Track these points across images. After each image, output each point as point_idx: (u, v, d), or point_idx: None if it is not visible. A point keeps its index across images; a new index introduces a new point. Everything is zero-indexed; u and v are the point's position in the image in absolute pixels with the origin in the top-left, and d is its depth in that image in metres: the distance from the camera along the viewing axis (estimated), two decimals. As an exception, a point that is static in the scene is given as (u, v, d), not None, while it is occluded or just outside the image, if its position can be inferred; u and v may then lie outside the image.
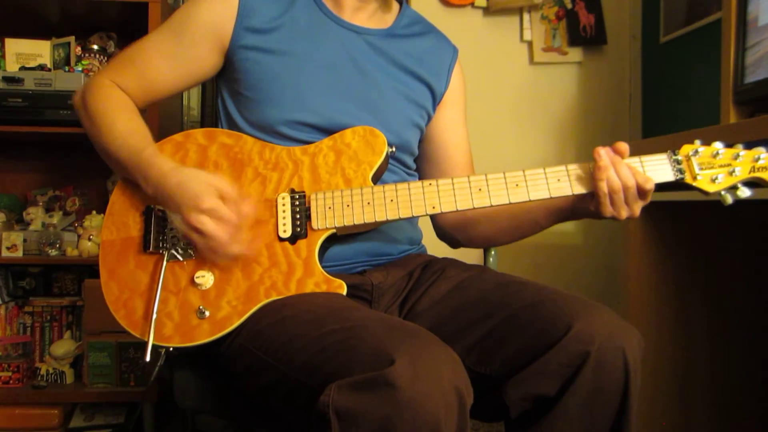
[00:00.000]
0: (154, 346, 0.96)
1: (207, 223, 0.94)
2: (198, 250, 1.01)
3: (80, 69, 2.06)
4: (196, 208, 0.95)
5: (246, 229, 0.99)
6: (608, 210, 0.96)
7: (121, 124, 1.07)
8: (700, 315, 1.65)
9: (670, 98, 2.24)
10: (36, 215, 2.11)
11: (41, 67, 2.03)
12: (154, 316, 0.97)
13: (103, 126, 1.07)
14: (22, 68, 2.02)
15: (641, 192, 0.95)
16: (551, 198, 0.99)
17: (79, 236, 2.03)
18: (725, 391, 1.67)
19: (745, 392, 1.68)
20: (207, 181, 0.97)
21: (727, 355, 1.67)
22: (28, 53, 2.10)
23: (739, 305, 1.66)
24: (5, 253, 1.99)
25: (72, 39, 2.13)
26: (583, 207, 1.01)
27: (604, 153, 0.95)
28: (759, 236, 1.65)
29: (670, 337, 1.63)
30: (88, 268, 2.13)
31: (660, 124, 2.30)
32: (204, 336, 0.97)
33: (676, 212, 1.56)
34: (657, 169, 0.97)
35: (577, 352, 0.87)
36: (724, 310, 1.66)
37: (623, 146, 0.97)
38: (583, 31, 2.40)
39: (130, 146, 1.04)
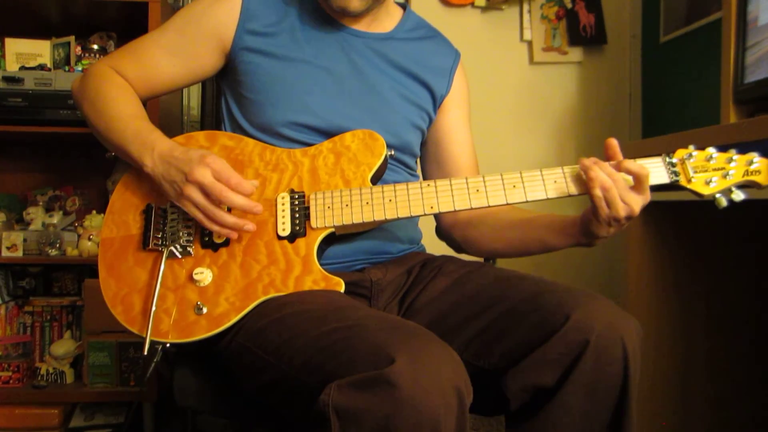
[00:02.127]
0: (151, 342, 0.96)
1: (207, 175, 0.95)
2: (197, 248, 1.02)
3: (80, 69, 2.06)
4: (201, 161, 0.96)
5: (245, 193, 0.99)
6: (604, 212, 0.94)
7: (126, 107, 1.08)
8: (699, 313, 1.65)
9: (670, 98, 2.24)
10: (36, 215, 2.11)
11: (41, 67, 2.03)
12: (153, 308, 0.97)
13: (105, 106, 1.08)
14: (22, 68, 2.02)
15: (638, 179, 0.94)
16: (548, 200, 0.99)
17: (79, 236, 2.03)
18: (725, 388, 1.67)
19: (745, 389, 1.68)
20: (212, 153, 0.99)
21: (727, 352, 1.67)
22: (28, 53, 2.10)
23: (738, 303, 1.67)
24: (5, 253, 1.99)
25: (72, 39, 2.13)
26: (588, 224, 0.99)
27: (586, 159, 0.95)
28: (758, 236, 1.65)
29: (670, 335, 1.63)
30: (88, 268, 2.13)
31: (660, 124, 2.30)
32: (201, 332, 0.97)
33: (676, 212, 1.56)
34: (652, 171, 0.97)
35: (576, 341, 0.87)
36: (724, 308, 1.66)
37: (612, 145, 0.97)
38: (583, 30, 2.40)
39: (137, 127, 1.05)
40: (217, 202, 0.97)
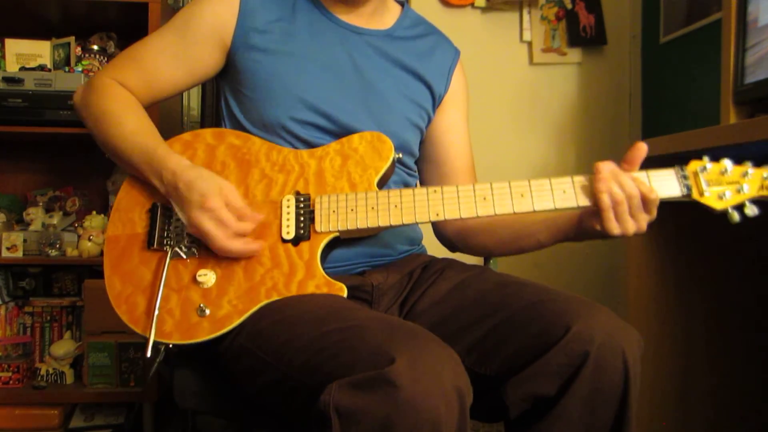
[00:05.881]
0: (154, 342, 0.96)
1: (206, 222, 0.96)
2: (201, 249, 1.02)
3: (80, 69, 2.06)
4: (200, 206, 0.96)
5: (244, 234, 1.00)
6: (613, 225, 0.93)
7: (130, 124, 1.07)
8: (699, 315, 1.65)
9: (670, 98, 2.24)
10: (36, 215, 2.11)
11: (41, 68, 2.03)
12: (156, 312, 0.97)
13: (111, 126, 1.07)
14: (22, 68, 2.02)
15: (645, 202, 0.94)
16: (555, 210, 0.98)
17: (79, 236, 2.03)
18: (725, 391, 1.67)
19: (745, 392, 1.68)
20: (217, 184, 0.99)
21: (727, 355, 1.67)
22: (28, 53, 2.10)
23: (738, 305, 1.66)
24: (5, 254, 1.99)
25: (72, 39, 2.12)
26: (588, 227, 0.98)
27: (603, 166, 0.94)
28: (759, 237, 1.65)
29: (670, 337, 1.63)
30: (88, 269, 2.13)
31: (660, 124, 2.30)
32: (204, 334, 0.97)
33: (676, 212, 1.56)
34: (664, 183, 0.96)
35: (577, 353, 0.87)
36: (724, 310, 1.66)
37: (640, 150, 0.96)
38: (583, 31, 2.40)
39: (142, 145, 1.04)
40: (211, 247, 0.98)
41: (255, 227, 1.01)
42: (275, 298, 0.98)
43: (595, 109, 2.43)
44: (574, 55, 2.41)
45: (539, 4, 2.38)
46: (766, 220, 1.60)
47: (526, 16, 2.39)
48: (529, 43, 2.41)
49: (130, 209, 1.08)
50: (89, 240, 1.99)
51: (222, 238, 0.97)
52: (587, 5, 2.40)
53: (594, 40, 2.40)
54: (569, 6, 2.40)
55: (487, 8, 2.38)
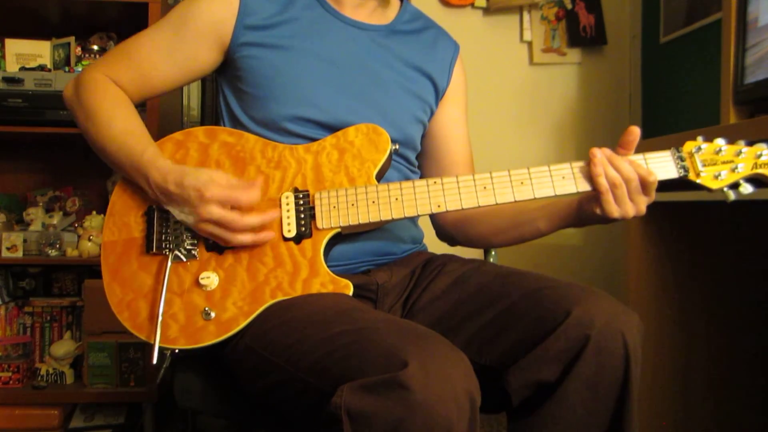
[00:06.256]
0: (160, 348, 0.95)
1: (215, 211, 0.95)
2: (202, 252, 1.01)
3: (80, 69, 2.05)
4: (201, 199, 0.95)
5: (254, 213, 0.98)
6: (613, 208, 0.95)
7: (119, 124, 1.06)
8: (699, 314, 1.65)
9: (670, 98, 2.24)
10: (36, 216, 2.11)
11: (41, 68, 2.03)
12: (160, 318, 0.96)
13: (100, 125, 1.06)
14: (22, 68, 2.02)
15: (644, 184, 0.95)
16: (556, 196, 0.99)
17: (79, 236, 2.03)
18: (725, 388, 1.68)
19: (745, 388, 1.69)
20: (206, 174, 0.97)
21: (727, 353, 1.67)
22: (28, 53, 2.10)
23: (738, 304, 1.67)
24: (5, 254, 1.99)
25: (72, 39, 2.12)
26: (588, 211, 0.99)
27: (598, 151, 0.95)
28: (758, 236, 1.65)
29: (670, 336, 1.64)
30: (88, 269, 2.13)
31: (660, 124, 2.30)
32: (210, 337, 0.96)
33: (676, 212, 1.56)
34: (661, 166, 0.97)
35: (577, 337, 0.87)
36: (724, 309, 1.66)
37: (632, 133, 0.96)
38: (583, 31, 2.40)
39: (130, 148, 1.03)
40: (234, 230, 0.97)
41: (260, 194, 0.99)
42: (280, 297, 0.97)
43: (595, 109, 2.43)
44: (574, 55, 2.42)
45: (539, 3, 2.38)
46: (766, 219, 1.60)
47: (526, 16, 2.40)
48: (530, 43, 2.41)
49: (124, 213, 1.06)
50: (89, 240, 1.99)
51: (238, 219, 0.95)
52: (587, 5, 2.40)
53: (594, 40, 2.41)
54: (569, 6, 2.40)
55: (488, 8, 2.38)
